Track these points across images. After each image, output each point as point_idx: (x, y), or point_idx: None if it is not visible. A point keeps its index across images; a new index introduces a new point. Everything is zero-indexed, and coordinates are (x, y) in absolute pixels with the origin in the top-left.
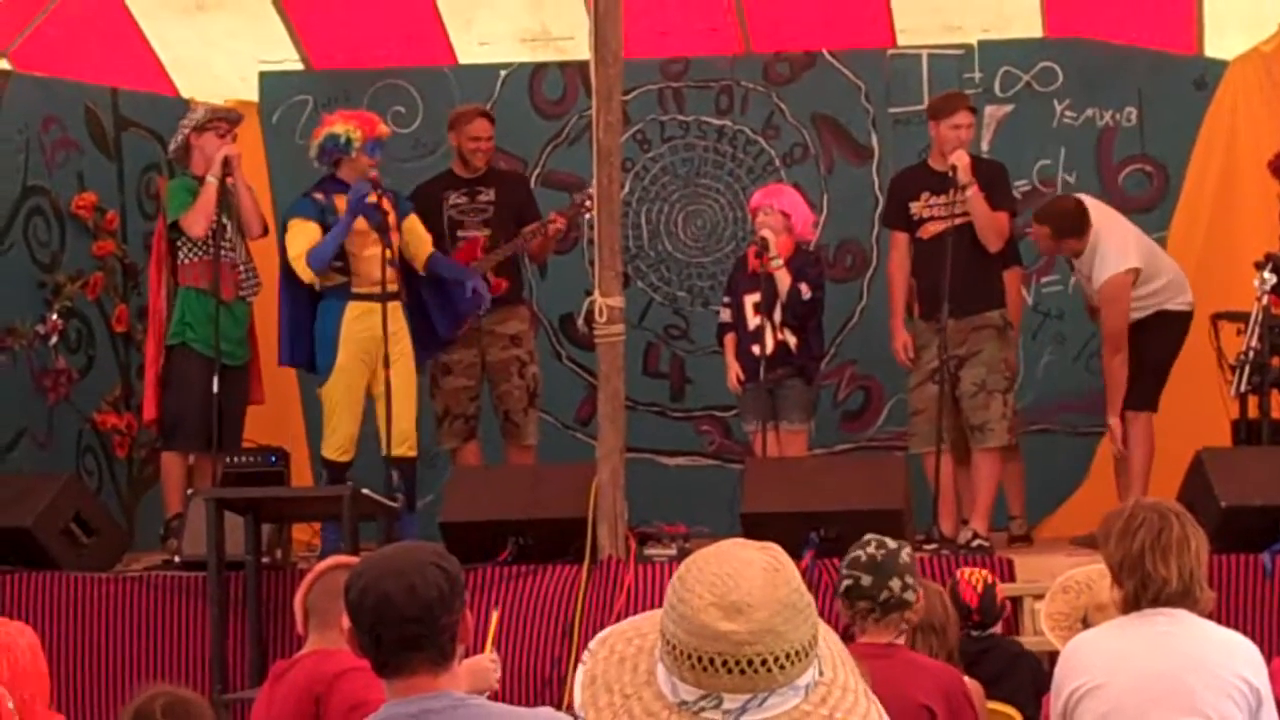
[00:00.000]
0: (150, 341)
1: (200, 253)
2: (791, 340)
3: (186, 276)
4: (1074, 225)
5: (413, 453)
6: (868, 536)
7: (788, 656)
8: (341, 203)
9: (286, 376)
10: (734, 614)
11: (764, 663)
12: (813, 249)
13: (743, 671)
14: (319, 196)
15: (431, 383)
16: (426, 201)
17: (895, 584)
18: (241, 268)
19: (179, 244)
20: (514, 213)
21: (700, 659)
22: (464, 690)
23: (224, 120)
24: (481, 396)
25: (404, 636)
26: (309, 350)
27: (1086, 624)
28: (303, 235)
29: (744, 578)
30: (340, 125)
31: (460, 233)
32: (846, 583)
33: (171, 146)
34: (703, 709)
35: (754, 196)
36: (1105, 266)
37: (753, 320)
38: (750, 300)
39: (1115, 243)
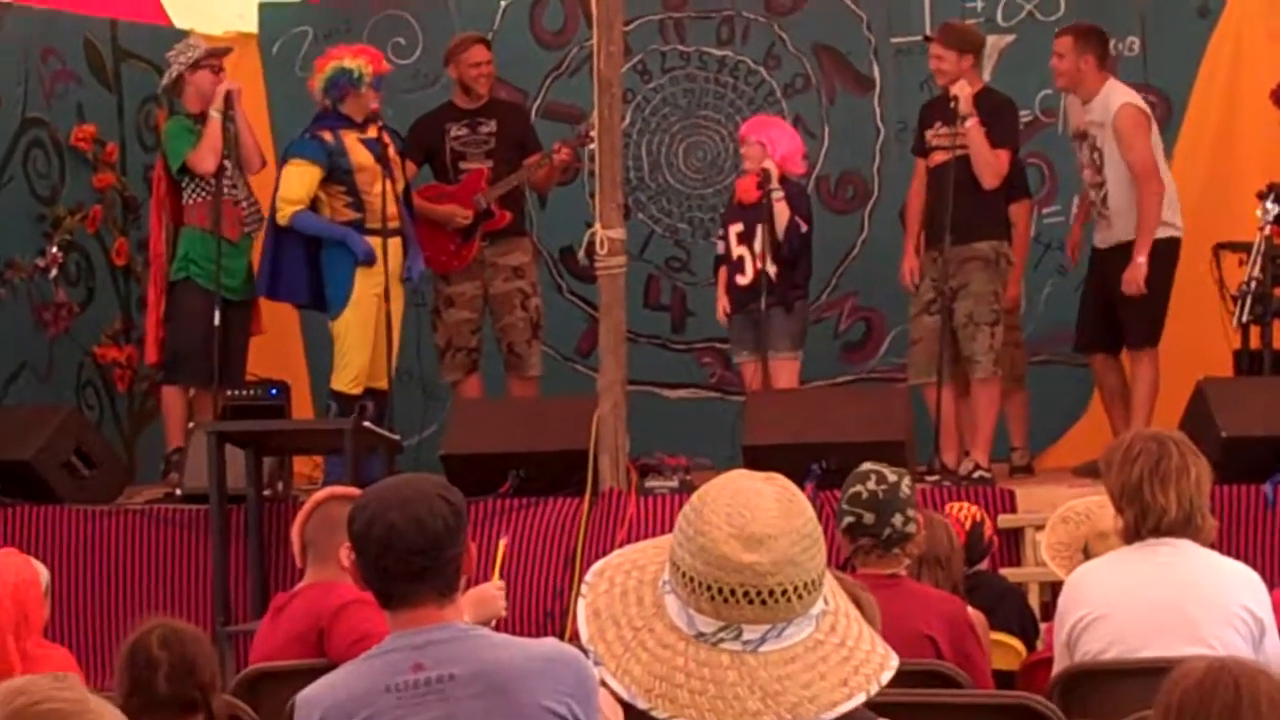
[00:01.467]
0: (152, 286)
1: (205, 193)
2: (771, 269)
3: (191, 216)
4: (1102, 43)
5: (387, 385)
6: (866, 468)
7: (805, 586)
8: (349, 140)
9: (288, 309)
10: (755, 545)
11: (784, 593)
12: (802, 182)
13: (764, 602)
14: (327, 138)
15: (434, 315)
16: (428, 134)
17: (897, 519)
18: (244, 203)
19: (184, 185)
20: (516, 144)
21: (721, 590)
22: (469, 620)
23: (217, 56)
24: (484, 329)
25: (410, 568)
26: (295, 285)
27: (1088, 553)
28: (300, 180)
29: (760, 509)
30: (350, 59)
31: (463, 164)
32: (848, 520)
33: (164, 80)
34: (722, 640)
35: (742, 127)
36: (1116, 96)
37: (736, 250)
38: (734, 230)
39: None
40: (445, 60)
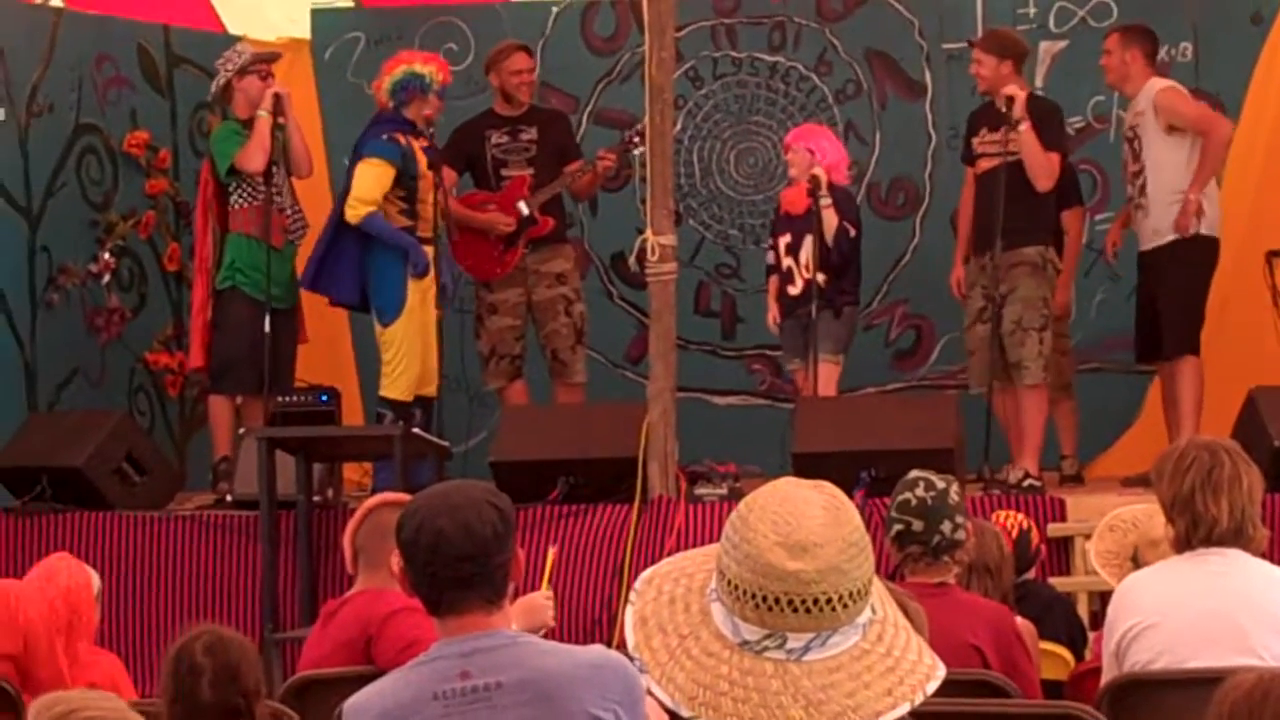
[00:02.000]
0: (197, 289)
1: (251, 198)
2: (820, 277)
3: (236, 222)
4: (1148, 40)
5: (435, 392)
6: (914, 475)
7: (851, 595)
8: (415, 146)
9: (338, 316)
10: (800, 553)
11: (829, 601)
12: (850, 189)
13: (808, 610)
14: (402, 140)
15: (477, 322)
16: (469, 141)
17: (946, 526)
18: (289, 211)
19: (231, 189)
20: (557, 151)
21: (765, 598)
22: (517, 628)
23: (265, 62)
24: (527, 336)
25: (458, 575)
26: (344, 285)
27: (1137, 560)
28: (378, 180)
29: (807, 516)
30: (421, 65)
31: (504, 172)
32: (897, 527)
33: (213, 88)
34: (766, 648)
35: (787, 136)
36: (1157, 84)
37: (785, 261)
38: (782, 241)
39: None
40: (486, 67)
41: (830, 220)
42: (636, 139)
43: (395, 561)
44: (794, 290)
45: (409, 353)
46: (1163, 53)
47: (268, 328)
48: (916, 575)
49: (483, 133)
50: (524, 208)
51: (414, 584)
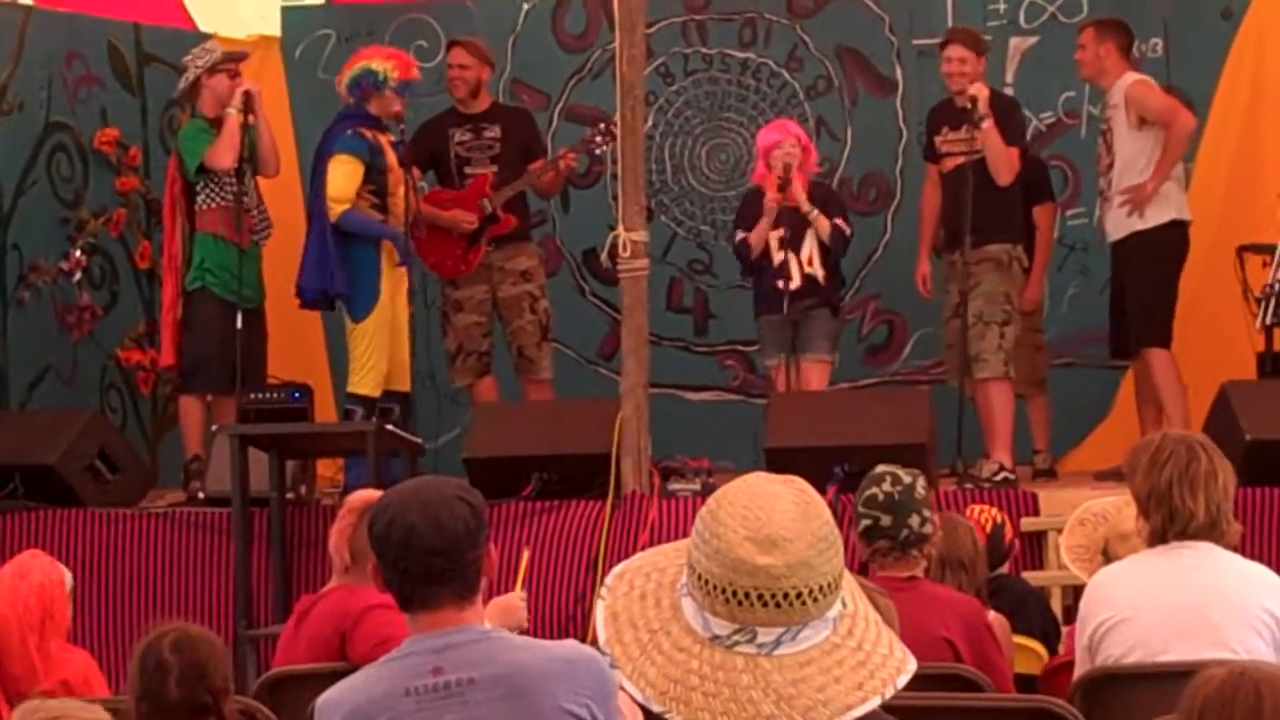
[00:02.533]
0: (167, 288)
1: (219, 198)
2: (820, 274)
3: (204, 222)
4: (1123, 33)
5: (409, 387)
6: (881, 470)
7: (821, 589)
8: (383, 141)
9: (309, 313)
10: (770, 548)
11: (799, 596)
12: (826, 181)
13: (778, 605)
14: (368, 135)
15: (443, 319)
16: (432, 138)
17: (914, 520)
18: (255, 212)
19: (199, 189)
20: (521, 148)
21: (735, 593)
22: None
23: (234, 61)
24: (494, 333)
25: (429, 570)
26: (340, 283)
27: (1108, 554)
28: (349, 178)
29: (776, 511)
30: (379, 62)
31: (467, 169)
32: (865, 523)
33: (180, 85)
34: (736, 643)
35: (764, 135)
36: (1130, 78)
37: (777, 255)
38: (775, 235)
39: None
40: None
41: (823, 226)
42: (599, 138)
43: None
44: (792, 285)
45: (378, 348)
46: (1133, 39)
47: (240, 327)
48: (885, 570)
49: (446, 130)
50: (487, 205)
51: (386, 580)
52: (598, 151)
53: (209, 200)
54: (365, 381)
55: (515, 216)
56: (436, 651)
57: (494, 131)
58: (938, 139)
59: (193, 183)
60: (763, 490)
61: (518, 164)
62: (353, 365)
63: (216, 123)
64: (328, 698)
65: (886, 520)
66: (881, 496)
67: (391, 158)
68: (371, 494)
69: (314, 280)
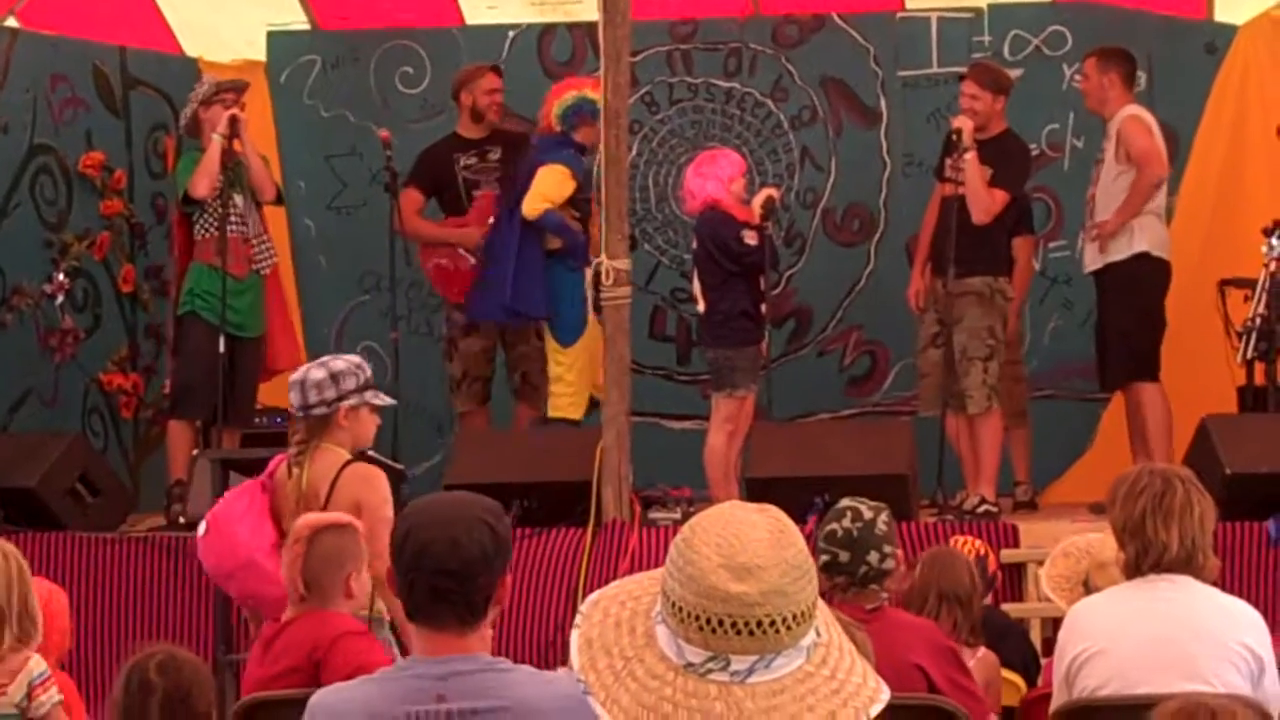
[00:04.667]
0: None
1: (214, 228)
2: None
3: (200, 252)
4: (1126, 62)
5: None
6: (844, 504)
7: (795, 617)
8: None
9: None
10: (744, 575)
11: (772, 624)
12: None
13: (751, 633)
14: (584, 159)
15: (449, 345)
16: (437, 165)
17: (873, 557)
18: (254, 241)
19: (194, 218)
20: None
21: (709, 620)
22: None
23: (231, 90)
24: (496, 358)
25: (436, 588)
26: (540, 302)
27: (1088, 586)
28: (561, 185)
29: (751, 539)
30: (592, 90)
31: (476, 193)
32: (824, 558)
33: (181, 121)
34: (710, 670)
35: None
36: (1128, 110)
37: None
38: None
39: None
40: (456, 87)
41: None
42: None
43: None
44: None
45: (584, 372)
46: (1136, 69)
47: (222, 349)
48: (846, 603)
49: (450, 156)
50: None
51: (398, 588)
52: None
53: (203, 229)
54: (574, 406)
55: None
56: (440, 678)
57: (497, 154)
58: (949, 161)
59: (188, 213)
60: (737, 518)
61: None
62: (555, 388)
63: None
64: (324, 703)
65: (845, 556)
66: (840, 532)
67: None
68: (320, 518)
69: (522, 303)
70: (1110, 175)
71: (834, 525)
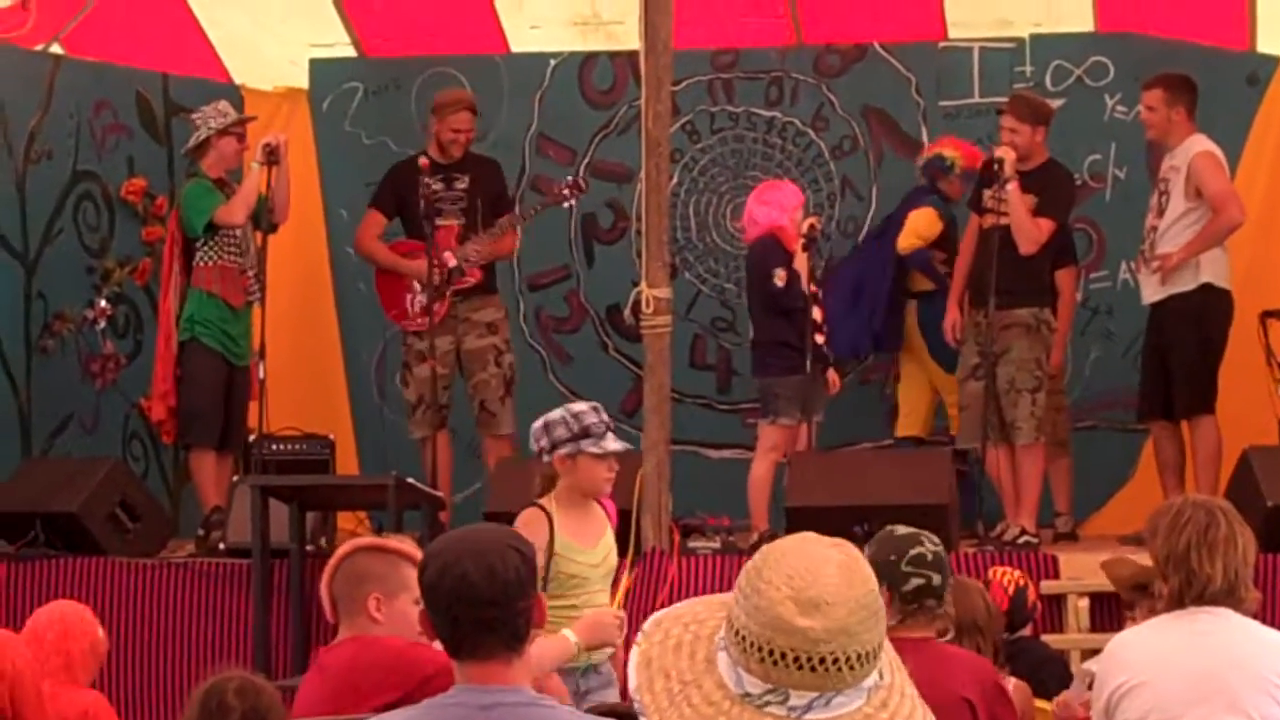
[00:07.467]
0: (160, 343)
1: (217, 257)
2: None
3: (199, 279)
4: (1191, 93)
5: None
6: (904, 530)
7: (859, 657)
8: None
9: (334, 365)
10: (811, 610)
11: (835, 662)
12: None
13: (814, 669)
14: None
15: (404, 370)
16: (402, 186)
17: (951, 580)
18: (250, 273)
19: (199, 246)
20: (490, 201)
21: (771, 653)
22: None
23: (245, 124)
24: (454, 386)
25: (480, 619)
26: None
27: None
28: (929, 223)
29: (822, 574)
30: (950, 150)
31: (437, 220)
32: (917, 582)
33: (190, 142)
34: (767, 703)
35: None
36: (1199, 143)
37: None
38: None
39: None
40: (432, 110)
41: None
42: (566, 190)
43: (374, 605)
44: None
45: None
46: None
47: (229, 389)
48: (912, 630)
49: (416, 178)
50: (450, 259)
51: (436, 627)
52: (565, 205)
53: (206, 258)
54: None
55: (480, 269)
56: (485, 708)
57: (464, 183)
58: (986, 192)
59: (193, 240)
60: (810, 551)
61: (486, 215)
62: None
63: (219, 183)
64: None
65: (937, 579)
66: (930, 555)
67: None
68: (357, 541)
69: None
70: (1177, 209)
71: (919, 549)
